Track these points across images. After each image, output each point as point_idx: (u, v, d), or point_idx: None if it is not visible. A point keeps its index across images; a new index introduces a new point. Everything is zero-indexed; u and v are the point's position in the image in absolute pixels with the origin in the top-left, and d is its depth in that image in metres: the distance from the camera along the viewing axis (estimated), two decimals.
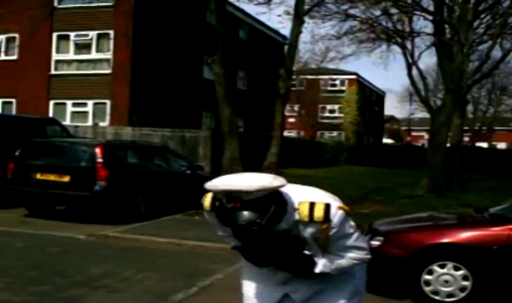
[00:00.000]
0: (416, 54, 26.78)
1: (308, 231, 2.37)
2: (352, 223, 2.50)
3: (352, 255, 2.50)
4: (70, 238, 8.91)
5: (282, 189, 2.32)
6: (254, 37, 30.16)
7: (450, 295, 5.80)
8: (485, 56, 21.81)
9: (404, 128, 71.36)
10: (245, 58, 27.70)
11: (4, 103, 22.53)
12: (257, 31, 30.67)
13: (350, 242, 2.48)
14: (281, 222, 2.31)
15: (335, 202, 2.41)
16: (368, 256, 2.58)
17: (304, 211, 2.33)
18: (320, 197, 2.42)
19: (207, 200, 2.47)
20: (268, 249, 2.37)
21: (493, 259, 5.76)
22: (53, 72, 22.06)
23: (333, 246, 2.46)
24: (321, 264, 2.45)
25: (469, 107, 42.09)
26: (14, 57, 22.31)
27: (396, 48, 28.95)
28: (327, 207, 2.35)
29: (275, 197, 2.26)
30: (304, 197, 2.38)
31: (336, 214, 2.36)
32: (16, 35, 21.45)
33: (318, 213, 2.33)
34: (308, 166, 26.22)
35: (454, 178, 19.48)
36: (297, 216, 2.34)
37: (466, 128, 35.85)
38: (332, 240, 2.42)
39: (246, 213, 2.17)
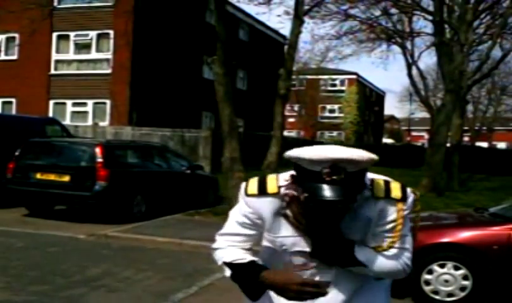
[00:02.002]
0: (416, 54, 26.98)
1: (379, 208, 1.99)
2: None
3: (405, 254, 2.05)
4: (70, 238, 8.91)
5: None
6: (254, 37, 30.18)
7: (450, 294, 5.80)
8: (485, 56, 21.76)
9: (404, 128, 71.39)
10: (245, 58, 27.71)
11: (4, 103, 22.56)
12: (257, 31, 30.69)
13: (406, 234, 2.05)
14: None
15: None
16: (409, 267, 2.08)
17: (380, 186, 2.00)
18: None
19: (272, 182, 2.00)
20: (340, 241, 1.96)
21: (493, 258, 5.76)
22: (53, 72, 22.09)
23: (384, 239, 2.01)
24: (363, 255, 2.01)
25: (469, 107, 42.07)
26: (14, 57, 22.36)
27: (396, 48, 29.04)
28: (403, 186, 2.02)
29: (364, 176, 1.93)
30: (374, 176, 2.06)
31: (410, 195, 2.03)
32: (16, 35, 21.46)
33: (396, 190, 1.99)
34: None
35: (454, 178, 19.47)
36: (368, 193, 1.98)
37: (466, 128, 35.88)
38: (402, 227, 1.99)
39: (347, 188, 1.81)
